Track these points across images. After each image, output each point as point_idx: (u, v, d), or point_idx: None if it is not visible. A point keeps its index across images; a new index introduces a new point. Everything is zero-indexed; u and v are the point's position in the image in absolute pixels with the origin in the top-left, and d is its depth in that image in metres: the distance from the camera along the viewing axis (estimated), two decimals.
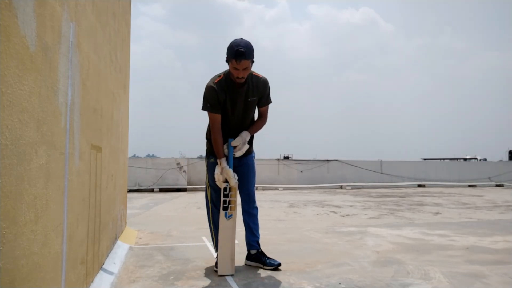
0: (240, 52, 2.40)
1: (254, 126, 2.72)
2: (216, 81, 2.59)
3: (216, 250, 2.73)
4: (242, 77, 2.50)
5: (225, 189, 2.57)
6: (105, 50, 2.45)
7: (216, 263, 2.61)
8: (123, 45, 3.50)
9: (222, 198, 2.58)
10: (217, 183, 2.59)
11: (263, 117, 2.77)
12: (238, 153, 2.63)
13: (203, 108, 2.61)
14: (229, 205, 2.59)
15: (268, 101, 2.75)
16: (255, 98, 2.66)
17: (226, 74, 2.60)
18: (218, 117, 2.60)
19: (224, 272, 2.50)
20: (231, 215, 2.59)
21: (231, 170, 2.54)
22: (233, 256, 2.56)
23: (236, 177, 2.58)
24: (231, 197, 2.58)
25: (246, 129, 2.68)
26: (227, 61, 2.51)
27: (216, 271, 2.54)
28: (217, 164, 2.61)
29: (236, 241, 2.63)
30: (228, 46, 2.49)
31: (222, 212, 2.58)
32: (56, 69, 1.35)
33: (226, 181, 2.57)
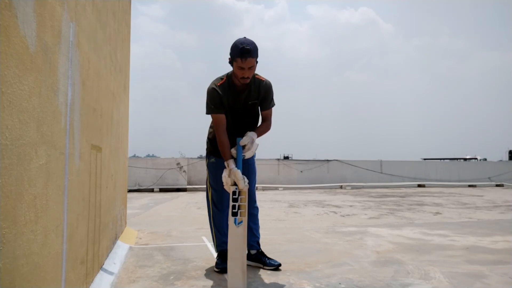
0: (246, 50, 2.32)
1: (258, 129, 2.59)
2: (218, 84, 2.52)
3: (216, 250, 2.73)
4: (247, 77, 2.42)
5: (234, 192, 2.33)
6: (105, 50, 2.45)
7: (216, 263, 2.60)
8: (123, 45, 3.50)
9: (231, 203, 2.33)
10: (225, 187, 2.41)
11: (267, 121, 2.65)
12: (249, 154, 2.45)
13: (207, 112, 2.53)
14: (239, 211, 2.32)
15: (271, 104, 2.64)
16: (255, 101, 2.57)
17: (229, 77, 2.53)
18: (223, 117, 2.50)
19: (235, 287, 2.22)
20: (241, 222, 2.31)
21: (239, 171, 2.34)
22: (245, 269, 2.26)
23: (246, 180, 2.37)
24: (240, 202, 2.33)
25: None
26: (230, 61, 2.43)
27: (216, 271, 2.54)
28: (225, 167, 2.43)
29: None
30: (232, 45, 2.40)
31: (231, 219, 2.31)
32: (56, 69, 1.35)
33: (234, 184, 2.36)
